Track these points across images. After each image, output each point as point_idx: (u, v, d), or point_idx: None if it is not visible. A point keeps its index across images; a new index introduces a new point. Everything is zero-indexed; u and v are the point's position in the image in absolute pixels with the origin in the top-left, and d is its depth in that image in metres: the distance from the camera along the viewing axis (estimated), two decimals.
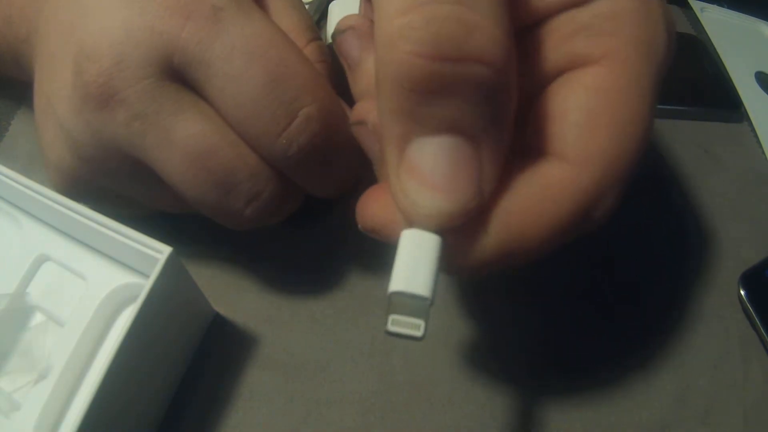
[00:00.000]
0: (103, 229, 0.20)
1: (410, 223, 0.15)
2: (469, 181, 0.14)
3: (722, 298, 0.26)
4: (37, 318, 0.22)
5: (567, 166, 0.16)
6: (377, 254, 0.25)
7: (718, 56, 0.35)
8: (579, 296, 0.26)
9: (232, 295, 0.25)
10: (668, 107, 0.32)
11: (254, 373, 0.23)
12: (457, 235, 0.15)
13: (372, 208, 0.17)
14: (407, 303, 0.15)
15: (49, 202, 0.20)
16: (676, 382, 0.24)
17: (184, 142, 0.18)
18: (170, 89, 0.18)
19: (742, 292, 0.26)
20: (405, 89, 0.13)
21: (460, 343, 0.24)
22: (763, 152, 0.32)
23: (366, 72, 0.19)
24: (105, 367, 0.17)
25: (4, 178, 0.21)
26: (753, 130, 0.32)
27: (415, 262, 0.15)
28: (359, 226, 0.17)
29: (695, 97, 0.33)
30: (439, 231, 0.15)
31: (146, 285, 0.18)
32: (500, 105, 0.14)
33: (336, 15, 0.30)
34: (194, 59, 0.18)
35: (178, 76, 0.18)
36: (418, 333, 0.15)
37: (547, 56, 0.16)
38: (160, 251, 0.19)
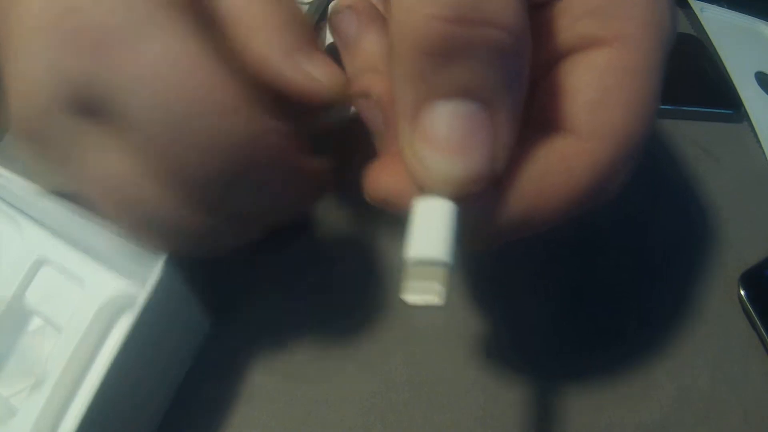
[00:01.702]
0: (100, 233, 0.19)
1: (424, 190, 0.15)
2: (483, 146, 0.14)
3: (722, 298, 0.26)
4: (35, 322, 0.22)
5: (582, 141, 0.16)
6: (378, 254, 0.26)
7: (718, 56, 0.35)
8: (578, 296, 0.26)
9: (231, 297, 0.25)
10: (668, 107, 0.32)
11: (254, 373, 0.23)
12: (475, 203, 0.15)
13: (381, 178, 0.16)
14: (425, 271, 0.14)
15: (49, 204, 0.20)
16: (676, 382, 0.24)
17: (99, 181, 0.17)
18: (82, 126, 0.16)
19: (742, 292, 0.26)
20: (421, 53, 0.13)
21: (459, 343, 0.24)
22: (763, 152, 0.31)
23: (364, 49, 0.18)
24: (102, 373, 0.17)
25: (3, 180, 0.21)
26: (753, 130, 0.32)
27: (430, 228, 0.14)
28: (368, 198, 0.17)
29: (695, 97, 0.33)
30: (455, 198, 0.15)
31: (144, 290, 0.18)
32: (515, 70, 0.14)
33: None
34: (101, 93, 0.16)
35: (91, 110, 0.16)
36: (439, 300, 0.14)
37: (557, 35, 0.17)
38: (157, 256, 0.19)
